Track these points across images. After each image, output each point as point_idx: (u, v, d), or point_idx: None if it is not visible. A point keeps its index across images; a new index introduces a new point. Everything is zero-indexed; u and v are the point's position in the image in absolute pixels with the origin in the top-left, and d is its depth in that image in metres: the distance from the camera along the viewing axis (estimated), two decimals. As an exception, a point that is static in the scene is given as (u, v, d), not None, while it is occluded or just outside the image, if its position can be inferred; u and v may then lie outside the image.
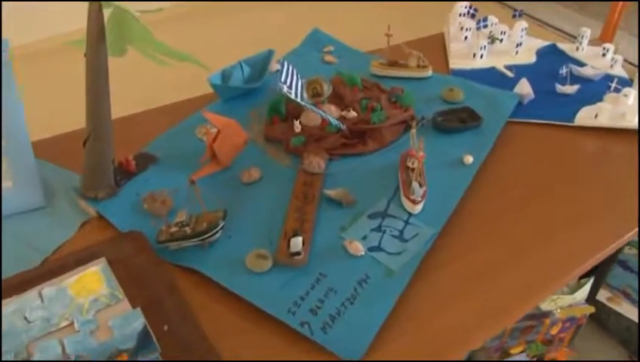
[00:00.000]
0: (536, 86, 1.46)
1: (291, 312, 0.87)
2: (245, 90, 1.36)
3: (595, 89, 1.47)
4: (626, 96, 1.43)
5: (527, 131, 1.34)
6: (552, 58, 1.63)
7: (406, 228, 1.03)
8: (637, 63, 2.26)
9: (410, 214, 1.06)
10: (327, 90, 1.29)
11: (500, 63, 1.57)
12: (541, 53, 1.65)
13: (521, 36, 1.67)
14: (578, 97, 1.44)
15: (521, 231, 1.06)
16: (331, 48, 1.58)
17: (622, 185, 1.21)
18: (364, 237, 1.01)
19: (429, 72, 1.47)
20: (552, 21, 2.65)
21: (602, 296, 1.67)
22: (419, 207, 1.06)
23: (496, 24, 1.65)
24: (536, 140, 1.32)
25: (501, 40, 1.64)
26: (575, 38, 1.69)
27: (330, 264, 0.95)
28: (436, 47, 1.67)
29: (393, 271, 0.94)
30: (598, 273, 1.53)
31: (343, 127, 1.22)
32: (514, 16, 1.64)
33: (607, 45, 1.64)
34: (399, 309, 0.89)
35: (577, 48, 1.66)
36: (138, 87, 2.33)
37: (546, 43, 1.70)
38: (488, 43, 1.61)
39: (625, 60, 1.66)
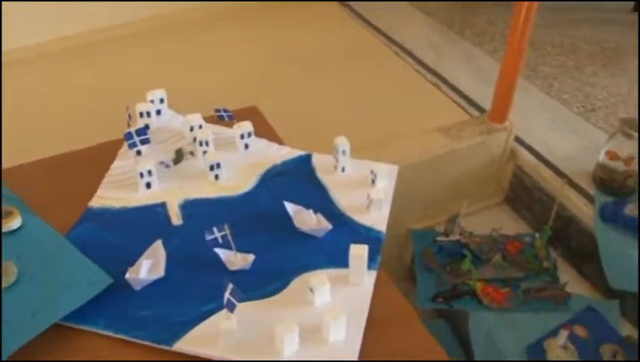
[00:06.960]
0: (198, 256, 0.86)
1: None
2: None
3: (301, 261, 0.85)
4: (334, 322, 0.75)
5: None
6: (283, 186, 0.98)
7: None
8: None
9: None
10: None
11: (179, 196, 0.96)
12: (275, 173, 1.01)
13: (246, 145, 1.05)
14: (250, 280, 0.82)
15: None
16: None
17: None
18: None
19: (14, 223, 0.86)
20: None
21: None
22: None
23: (201, 127, 1.04)
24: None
25: (204, 152, 1.02)
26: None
27: None
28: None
29: None
30: None
31: None
32: (220, 117, 1.02)
33: (376, 168, 0.97)
34: None
35: (335, 167, 1.02)
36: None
37: (293, 154, 1.06)
38: (172, 160, 1.01)
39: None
